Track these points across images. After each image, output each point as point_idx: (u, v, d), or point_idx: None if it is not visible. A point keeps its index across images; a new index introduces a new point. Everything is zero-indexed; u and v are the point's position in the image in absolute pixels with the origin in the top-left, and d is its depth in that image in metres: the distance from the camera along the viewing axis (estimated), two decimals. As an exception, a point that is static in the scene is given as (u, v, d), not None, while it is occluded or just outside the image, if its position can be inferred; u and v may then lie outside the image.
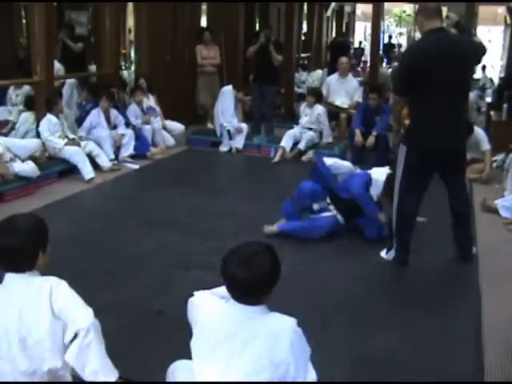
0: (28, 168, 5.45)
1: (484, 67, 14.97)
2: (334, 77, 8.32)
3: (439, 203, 4.72)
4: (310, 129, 7.44)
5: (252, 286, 1.86)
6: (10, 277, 2.02)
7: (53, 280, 2.02)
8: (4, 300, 1.98)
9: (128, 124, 7.05)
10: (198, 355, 1.92)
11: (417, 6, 4.16)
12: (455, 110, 3.79)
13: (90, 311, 2.00)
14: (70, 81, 7.92)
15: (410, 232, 3.99)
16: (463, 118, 4.01)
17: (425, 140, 3.75)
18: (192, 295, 2.11)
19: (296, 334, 1.89)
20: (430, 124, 3.74)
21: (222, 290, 2.01)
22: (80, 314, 1.98)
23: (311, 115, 7.46)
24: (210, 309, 1.97)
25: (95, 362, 1.97)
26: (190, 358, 2.11)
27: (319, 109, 7.53)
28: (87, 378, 1.99)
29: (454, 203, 4.02)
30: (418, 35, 22.95)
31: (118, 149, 6.76)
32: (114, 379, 2.02)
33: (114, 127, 6.82)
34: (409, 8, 22.69)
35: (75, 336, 1.95)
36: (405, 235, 3.97)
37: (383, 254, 4.17)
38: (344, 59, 8.30)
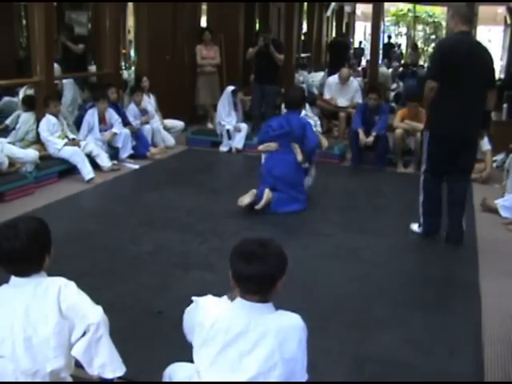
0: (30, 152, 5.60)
1: None
2: (335, 80, 8.36)
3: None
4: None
5: (262, 277, 1.86)
6: (17, 278, 2.03)
7: (61, 280, 2.04)
8: (11, 299, 1.99)
9: (127, 124, 7.05)
10: (207, 358, 1.90)
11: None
12: (471, 106, 4.25)
13: (99, 308, 2.04)
14: (70, 81, 7.91)
15: (439, 211, 4.48)
16: (477, 113, 4.35)
17: (443, 126, 4.25)
18: (191, 301, 2.09)
19: (304, 331, 1.91)
20: (449, 112, 4.23)
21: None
22: (90, 310, 2.01)
23: None
24: (217, 309, 1.95)
25: (104, 355, 2.00)
26: (189, 357, 2.11)
27: (305, 107, 7.55)
28: (93, 372, 2.01)
29: (452, 197, 4.44)
30: (418, 34, 22.99)
31: (112, 147, 6.76)
32: (121, 373, 2.04)
33: (111, 126, 6.80)
34: (406, 7, 22.66)
35: (83, 334, 1.97)
36: (433, 214, 4.47)
37: (415, 227, 4.62)
38: (345, 71, 8.35)
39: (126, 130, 6.86)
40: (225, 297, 2.05)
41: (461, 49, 4.18)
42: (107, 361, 2.01)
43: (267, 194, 4.99)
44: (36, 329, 1.94)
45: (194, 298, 2.10)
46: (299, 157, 5.18)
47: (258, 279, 1.86)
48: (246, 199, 4.94)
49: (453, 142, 4.25)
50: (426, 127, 4.45)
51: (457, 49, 4.19)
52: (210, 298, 2.05)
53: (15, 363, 1.93)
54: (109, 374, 2.02)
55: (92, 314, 1.99)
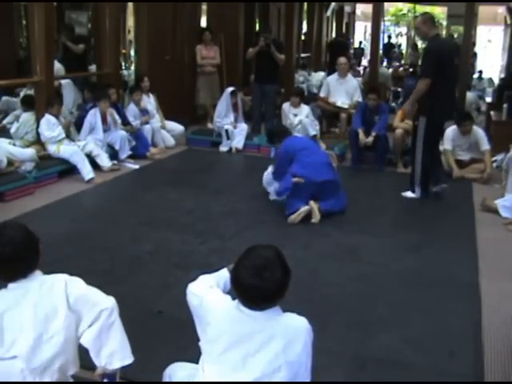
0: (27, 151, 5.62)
1: (481, 72, 15.04)
2: (334, 77, 8.31)
3: (440, 208, 4.72)
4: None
5: (266, 295, 1.86)
6: (15, 283, 2.02)
7: (66, 276, 2.07)
8: (17, 300, 1.99)
9: (126, 123, 7.04)
10: (210, 356, 1.91)
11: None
12: (453, 88, 5.68)
13: (110, 296, 2.07)
14: (68, 83, 7.91)
15: (429, 177, 5.61)
16: (455, 91, 5.89)
17: (441, 109, 5.31)
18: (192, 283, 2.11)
19: (309, 334, 1.91)
20: (444, 98, 5.29)
21: (223, 275, 2.16)
22: (102, 297, 2.05)
23: (301, 113, 7.56)
24: (225, 310, 1.94)
25: (114, 342, 2.02)
26: (189, 357, 2.12)
27: (306, 108, 7.66)
28: (101, 361, 2.02)
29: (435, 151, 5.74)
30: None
31: (111, 147, 6.75)
32: (130, 361, 2.07)
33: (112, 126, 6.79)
34: (405, 8, 22.69)
35: (91, 324, 1.99)
36: (427, 179, 5.58)
37: (409, 194, 5.61)
38: (343, 59, 8.27)
39: (123, 132, 6.84)
40: (225, 269, 2.17)
41: (446, 48, 5.41)
42: (117, 348, 2.02)
43: (313, 205, 4.91)
44: (46, 326, 1.95)
45: (192, 285, 2.09)
46: (334, 163, 5.40)
47: (263, 294, 1.86)
48: (298, 218, 4.88)
49: (446, 119, 5.64)
50: (421, 114, 5.36)
51: (444, 49, 5.34)
52: (218, 294, 2.04)
53: (26, 362, 1.93)
54: (116, 363, 2.03)
55: (104, 300, 2.03)
